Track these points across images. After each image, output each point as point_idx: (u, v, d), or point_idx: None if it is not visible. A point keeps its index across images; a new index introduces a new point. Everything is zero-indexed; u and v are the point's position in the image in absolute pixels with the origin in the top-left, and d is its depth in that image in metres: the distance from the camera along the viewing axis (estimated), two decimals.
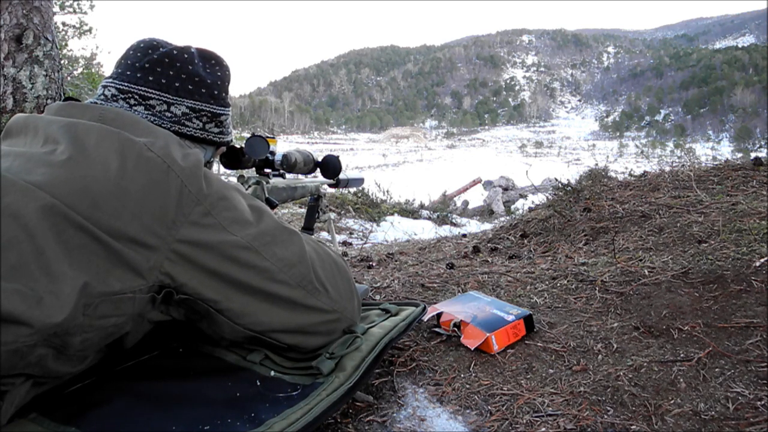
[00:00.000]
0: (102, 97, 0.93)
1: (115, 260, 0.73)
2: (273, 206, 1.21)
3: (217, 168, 1.31)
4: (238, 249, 0.84)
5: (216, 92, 0.99)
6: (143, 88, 0.92)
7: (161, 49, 0.95)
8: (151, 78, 0.93)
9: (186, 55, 0.96)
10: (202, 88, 0.97)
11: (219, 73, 1.01)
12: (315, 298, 0.92)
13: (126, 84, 0.92)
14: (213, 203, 0.82)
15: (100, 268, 0.71)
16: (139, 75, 0.93)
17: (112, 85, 0.93)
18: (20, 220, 0.66)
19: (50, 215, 0.68)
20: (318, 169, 1.42)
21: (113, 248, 0.72)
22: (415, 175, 27.45)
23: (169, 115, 0.94)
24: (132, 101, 0.92)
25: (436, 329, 1.27)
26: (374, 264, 2.15)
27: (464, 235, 3.12)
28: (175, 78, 0.94)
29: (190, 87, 0.95)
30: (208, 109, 0.98)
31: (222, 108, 1.01)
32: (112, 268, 0.73)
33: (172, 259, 0.78)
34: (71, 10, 8.54)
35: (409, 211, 5.80)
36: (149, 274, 0.76)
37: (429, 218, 5.70)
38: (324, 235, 3.53)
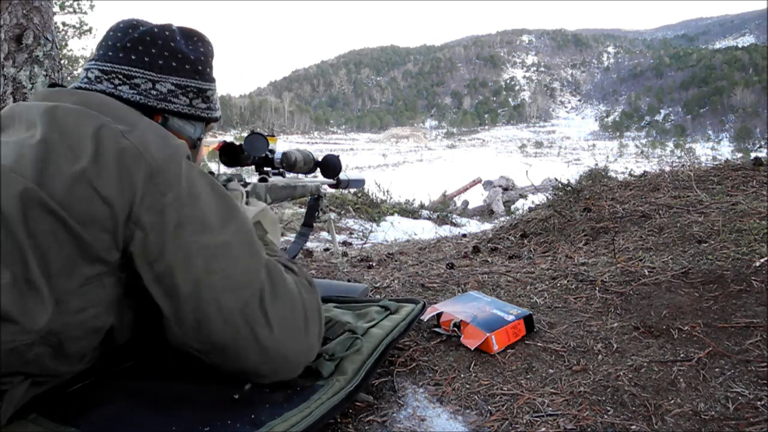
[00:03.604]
0: (85, 80, 0.91)
1: (83, 246, 0.71)
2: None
3: (217, 166, 1.31)
4: (189, 253, 0.77)
5: (200, 68, 0.98)
6: (126, 67, 0.90)
7: (141, 28, 0.93)
8: (133, 57, 0.91)
9: (167, 33, 0.94)
10: (186, 65, 0.95)
11: (202, 49, 0.99)
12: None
13: (109, 65, 0.91)
14: (180, 198, 0.78)
15: (69, 258, 0.70)
16: (121, 55, 0.91)
17: (95, 67, 0.91)
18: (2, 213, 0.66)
19: (25, 200, 0.68)
20: (318, 169, 1.42)
21: (79, 234, 0.71)
22: (415, 175, 27.46)
23: (155, 92, 0.92)
24: (116, 81, 0.90)
25: (436, 329, 1.27)
26: (374, 264, 2.15)
27: (464, 235, 3.12)
28: (158, 55, 0.92)
29: (173, 64, 0.94)
30: (193, 84, 0.97)
31: (207, 83, 1.00)
32: (78, 256, 0.71)
33: (132, 245, 0.75)
34: (71, 10, 8.55)
35: (409, 211, 5.79)
36: (111, 255, 0.75)
37: (429, 218, 5.70)
38: (324, 235, 3.54)
